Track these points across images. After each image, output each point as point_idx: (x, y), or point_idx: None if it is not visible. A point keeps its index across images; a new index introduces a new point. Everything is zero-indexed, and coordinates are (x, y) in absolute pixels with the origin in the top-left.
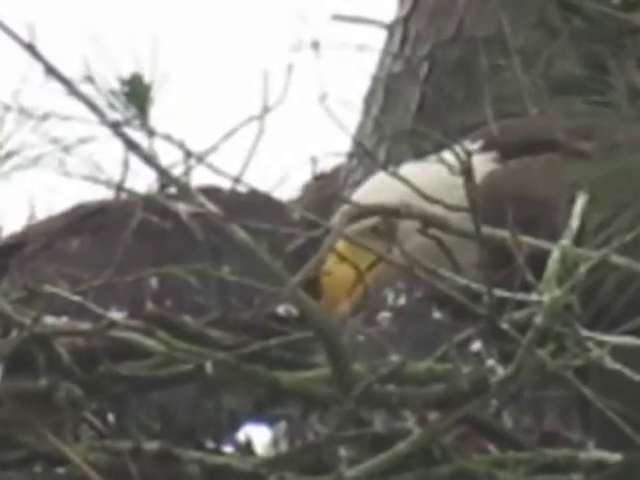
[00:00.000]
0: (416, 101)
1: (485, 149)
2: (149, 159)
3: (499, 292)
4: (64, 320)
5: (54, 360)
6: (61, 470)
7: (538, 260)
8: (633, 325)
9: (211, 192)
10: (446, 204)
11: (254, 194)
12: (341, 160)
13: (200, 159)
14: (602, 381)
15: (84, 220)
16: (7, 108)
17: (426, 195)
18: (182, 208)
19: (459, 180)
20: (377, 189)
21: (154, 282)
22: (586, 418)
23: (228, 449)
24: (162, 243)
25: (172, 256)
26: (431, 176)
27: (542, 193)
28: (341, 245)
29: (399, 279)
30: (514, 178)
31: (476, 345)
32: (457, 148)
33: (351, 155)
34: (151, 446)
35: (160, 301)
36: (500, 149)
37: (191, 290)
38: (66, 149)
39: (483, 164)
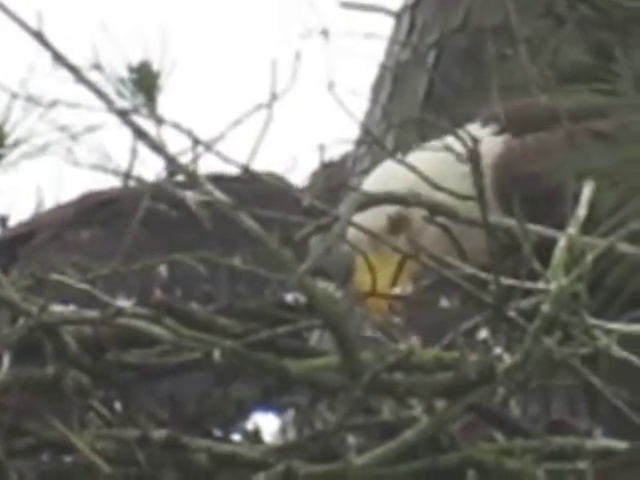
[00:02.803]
0: (424, 89)
1: (499, 131)
2: (157, 147)
3: (506, 280)
4: (71, 308)
5: (61, 348)
6: (68, 458)
7: (546, 247)
8: None
9: (220, 180)
10: (454, 193)
11: (262, 182)
12: (349, 148)
13: (208, 147)
14: (612, 369)
15: (94, 211)
16: (15, 96)
17: (434, 183)
18: (190, 196)
19: (467, 167)
20: (385, 177)
21: (163, 271)
22: (593, 406)
23: (236, 437)
24: (174, 234)
25: (184, 246)
26: (439, 163)
27: (558, 170)
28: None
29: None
30: (531, 154)
31: (483, 333)
32: (464, 135)
33: (359, 143)
34: (158, 434)
35: (169, 290)
36: (514, 128)
37: (201, 279)
38: (74, 137)
39: (497, 145)
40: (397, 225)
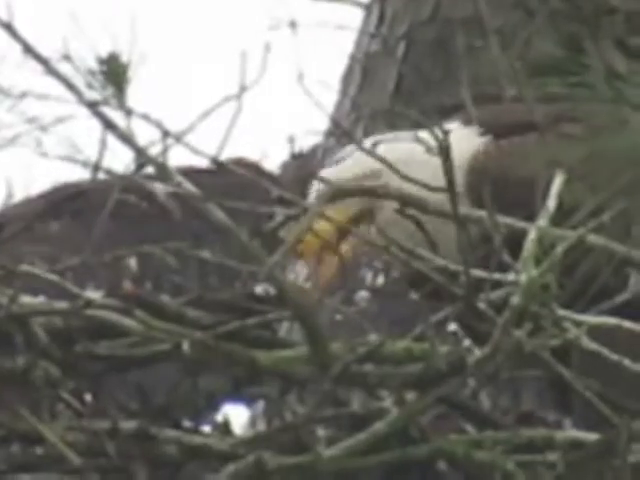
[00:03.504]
0: (393, 81)
1: (480, 132)
2: (126, 138)
3: (476, 272)
4: (41, 299)
5: (31, 339)
6: (38, 449)
7: (516, 240)
8: (611, 305)
9: (190, 173)
10: (425, 184)
11: (231, 173)
12: (319, 139)
13: (178, 138)
14: (583, 361)
15: (64, 203)
16: None
17: (404, 175)
18: (159, 188)
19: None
20: (353, 166)
21: (134, 264)
22: (562, 398)
23: (206, 429)
24: (144, 226)
25: (154, 238)
26: (409, 154)
27: (531, 173)
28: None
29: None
30: (505, 158)
31: (453, 325)
32: (434, 128)
33: (329, 134)
34: (128, 426)
35: (139, 282)
36: (493, 131)
37: (171, 272)
38: (43, 128)
39: (474, 142)
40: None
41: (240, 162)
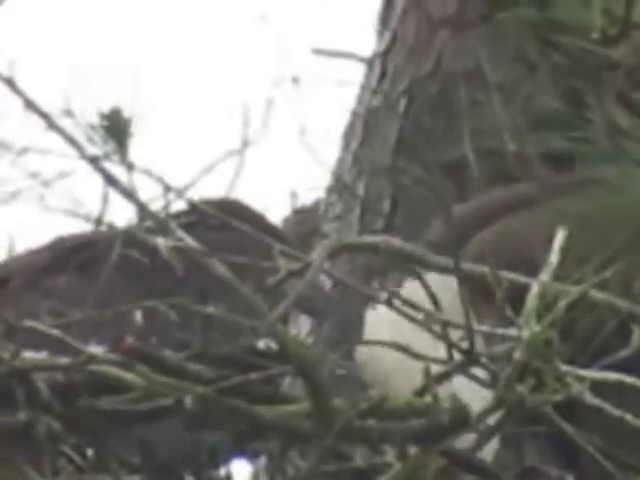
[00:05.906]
0: (395, 136)
1: None
2: (128, 193)
3: (478, 327)
4: (43, 355)
5: (33, 394)
6: None
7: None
8: (613, 360)
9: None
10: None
11: (234, 229)
12: (320, 195)
13: (179, 193)
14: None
15: (70, 256)
16: None
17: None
18: (162, 243)
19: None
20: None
21: (139, 318)
22: (562, 453)
23: None
24: (151, 281)
25: (161, 293)
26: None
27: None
28: None
29: None
30: (501, 241)
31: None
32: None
33: (330, 190)
34: None
35: (145, 337)
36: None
37: (176, 327)
38: (45, 183)
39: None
40: None
41: (236, 204)
